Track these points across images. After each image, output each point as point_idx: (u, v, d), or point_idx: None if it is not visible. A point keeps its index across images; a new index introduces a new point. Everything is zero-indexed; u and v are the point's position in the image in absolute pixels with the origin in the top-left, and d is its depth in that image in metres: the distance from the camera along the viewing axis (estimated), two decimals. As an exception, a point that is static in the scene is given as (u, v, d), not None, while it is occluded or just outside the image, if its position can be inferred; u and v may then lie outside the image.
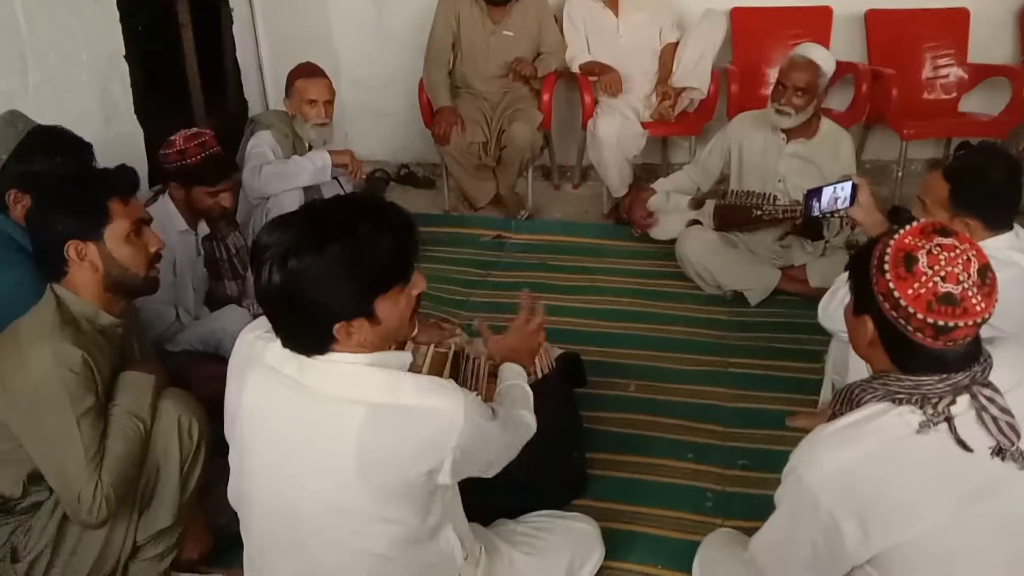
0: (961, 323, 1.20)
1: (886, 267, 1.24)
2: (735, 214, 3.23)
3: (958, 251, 1.21)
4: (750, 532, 1.70)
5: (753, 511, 2.02)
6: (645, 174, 4.21)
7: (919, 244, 1.23)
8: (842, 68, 3.94)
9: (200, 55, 3.83)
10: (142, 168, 2.99)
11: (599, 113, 3.83)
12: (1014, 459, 1.21)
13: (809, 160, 3.11)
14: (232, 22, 3.90)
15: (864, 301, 1.30)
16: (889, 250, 1.25)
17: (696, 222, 3.39)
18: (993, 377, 1.25)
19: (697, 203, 3.43)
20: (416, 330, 1.69)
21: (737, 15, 4.11)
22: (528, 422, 1.68)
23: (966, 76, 4.06)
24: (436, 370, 2.06)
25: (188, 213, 2.58)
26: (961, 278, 1.20)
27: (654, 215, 3.49)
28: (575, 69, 3.99)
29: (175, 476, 1.76)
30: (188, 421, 1.77)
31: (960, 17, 4.05)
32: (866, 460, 1.24)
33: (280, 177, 2.96)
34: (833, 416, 1.36)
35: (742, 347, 2.89)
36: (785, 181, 3.14)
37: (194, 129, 2.57)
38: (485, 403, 1.52)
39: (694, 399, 2.61)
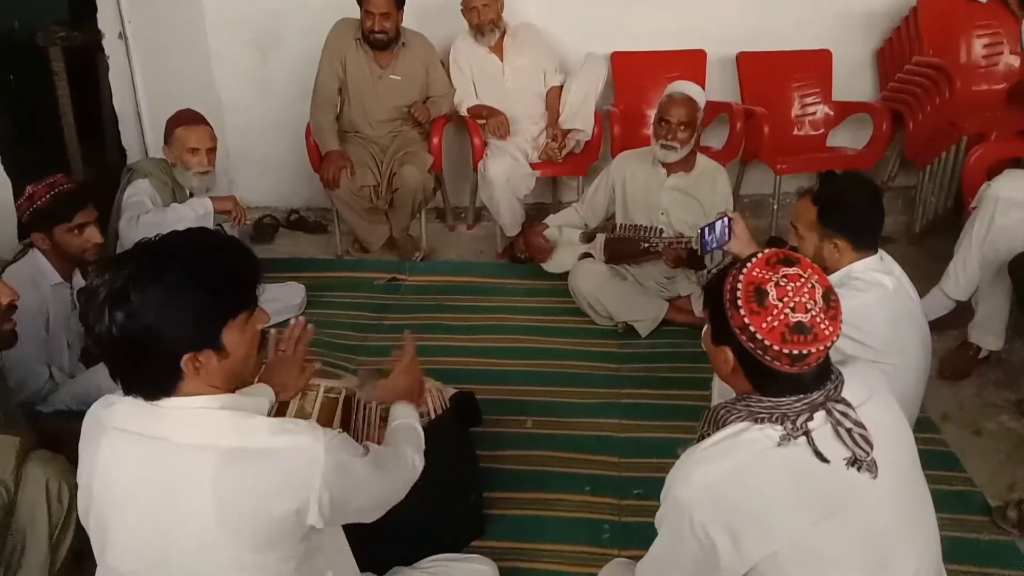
0: (813, 349, 1.27)
1: (739, 302, 1.30)
2: (624, 247, 3.32)
3: (803, 280, 1.29)
4: (645, 560, 1.74)
5: (649, 540, 2.00)
6: (537, 213, 4.29)
7: (767, 276, 1.29)
8: (717, 108, 4.16)
9: (76, 104, 3.69)
10: (10, 222, 2.85)
11: (489, 155, 3.89)
12: (869, 469, 1.28)
13: (689, 193, 3.24)
14: (108, 69, 3.79)
15: (722, 333, 1.35)
16: (740, 284, 1.31)
17: (587, 255, 3.46)
18: (845, 393, 1.33)
19: (588, 237, 3.51)
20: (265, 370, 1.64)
21: (617, 59, 4.27)
22: (413, 461, 1.65)
23: (832, 113, 4.31)
24: (326, 416, 2.02)
25: (61, 264, 2.48)
26: (809, 306, 1.27)
27: (551, 243, 3.56)
28: (463, 112, 4.05)
29: (43, 543, 1.66)
30: (58, 485, 1.67)
31: (824, 58, 4.30)
32: (731, 473, 1.29)
33: (158, 226, 2.84)
34: (701, 437, 1.41)
35: (634, 378, 2.95)
36: (668, 214, 3.25)
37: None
38: (358, 442, 1.49)
39: (589, 432, 2.64)
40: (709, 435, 1.39)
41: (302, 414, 2.00)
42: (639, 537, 2.13)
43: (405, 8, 3.83)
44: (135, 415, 1.31)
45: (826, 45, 4.31)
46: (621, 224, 3.38)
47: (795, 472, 1.28)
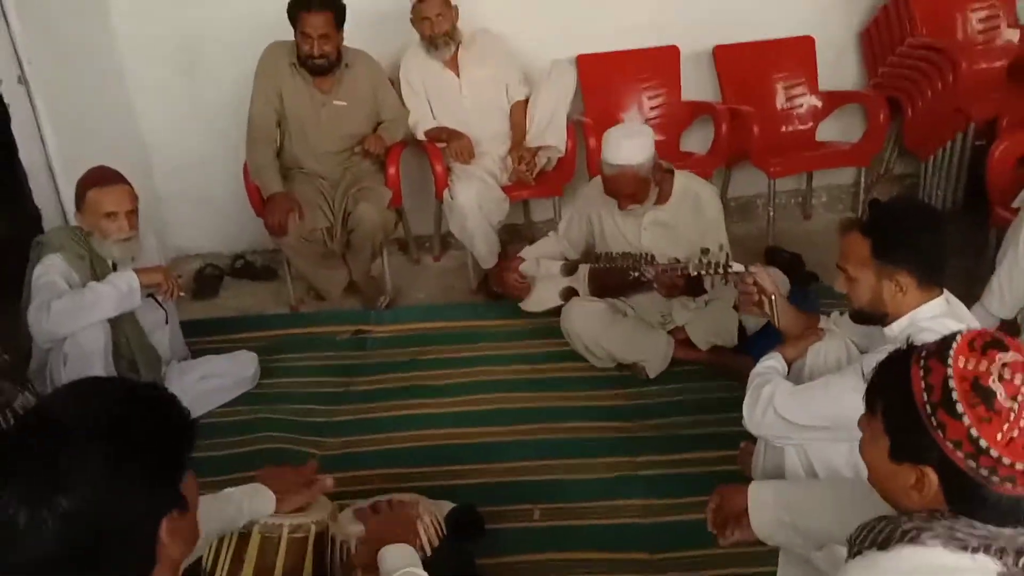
0: None
1: (958, 407, 0.98)
2: (611, 278, 2.96)
3: None
4: None
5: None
6: (510, 236, 3.89)
7: (983, 368, 0.99)
8: (698, 108, 3.82)
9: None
10: None
11: (455, 180, 3.46)
12: None
13: (669, 225, 2.88)
14: (9, 117, 3.28)
15: (917, 449, 1.03)
16: (952, 380, 0.98)
17: (572, 291, 3.08)
18: None
19: (569, 269, 3.12)
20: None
21: (584, 63, 3.84)
22: None
23: (819, 105, 3.95)
24: (294, 561, 1.62)
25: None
26: None
27: (527, 280, 3.17)
28: (420, 136, 3.61)
29: None
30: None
31: (806, 45, 3.93)
32: None
33: (74, 313, 2.41)
34: (855, 553, 1.07)
35: (651, 440, 2.55)
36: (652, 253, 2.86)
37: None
38: None
39: (609, 519, 2.24)
40: (862, 551, 1.06)
41: (262, 565, 1.60)
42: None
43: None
44: None
45: (807, 31, 3.95)
46: (606, 252, 3.00)
47: None
